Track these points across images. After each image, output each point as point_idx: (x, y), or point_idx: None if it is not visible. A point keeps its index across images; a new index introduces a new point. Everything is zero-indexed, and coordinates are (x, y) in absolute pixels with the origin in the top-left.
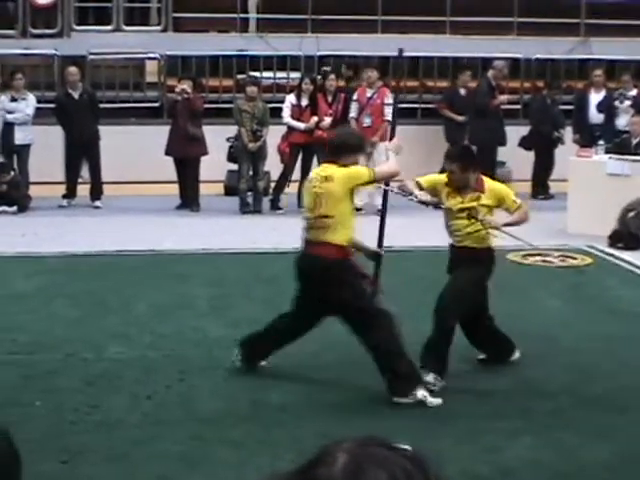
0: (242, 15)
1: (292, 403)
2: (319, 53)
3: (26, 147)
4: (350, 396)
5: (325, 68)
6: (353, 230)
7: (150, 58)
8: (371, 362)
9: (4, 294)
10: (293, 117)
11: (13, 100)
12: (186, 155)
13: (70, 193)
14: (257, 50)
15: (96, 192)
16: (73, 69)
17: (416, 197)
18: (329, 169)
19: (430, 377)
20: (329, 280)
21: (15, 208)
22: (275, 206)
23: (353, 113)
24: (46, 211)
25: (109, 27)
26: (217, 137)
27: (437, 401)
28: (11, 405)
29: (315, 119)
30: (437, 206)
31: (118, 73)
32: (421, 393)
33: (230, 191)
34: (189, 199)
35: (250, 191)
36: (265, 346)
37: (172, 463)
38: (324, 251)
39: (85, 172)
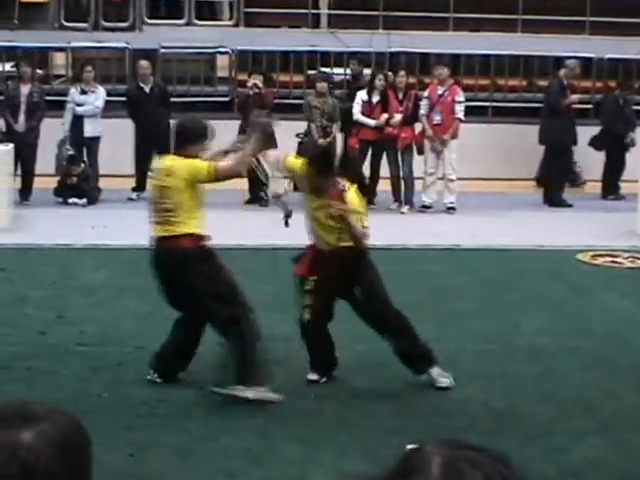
0: (313, 11)
1: (358, 400)
2: (390, 50)
3: (96, 140)
4: (414, 393)
5: (353, 66)
6: (202, 219)
7: (221, 52)
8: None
9: (73, 286)
10: (363, 114)
11: (83, 93)
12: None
13: (140, 186)
14: (328, 46)
15: None
16: (145, 63)
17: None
18: (172, 161)
19: (436, 373)
20: (185, 270)
21: (85, 200)
22: None
23: (423, 110)
24: (115, 204)
25: (181, 21)
26: (287, 133)
27: (275, 397)
28: (80, 396)
29: (385, 116)
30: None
31: (189, 67)
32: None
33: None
34: (258, 194)
35: None
36: (176, 359)
37: (237, 458)
38: (175, 244)
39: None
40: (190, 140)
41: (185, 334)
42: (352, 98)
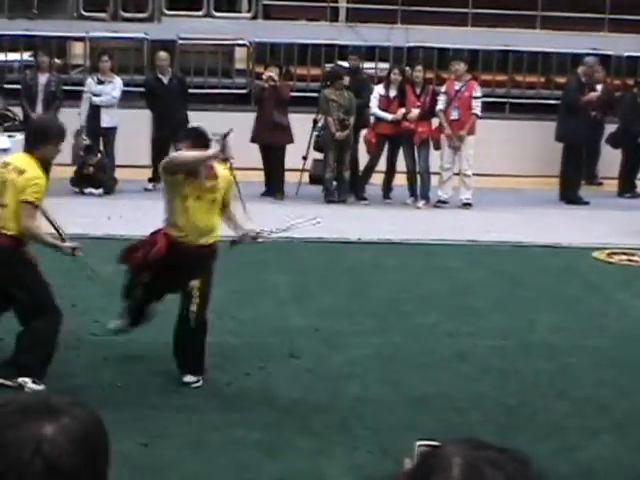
0: (332, 4)
1: (371, 394)
2: (408, 44)
3: (112, 130)
4: (429, 389)
5: (352, 61)
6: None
7: (239, 45)
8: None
9: (89, 276)
10: (381, 108)
11: (100, 83)
12: (272, 143)
13: (156, 177)
14: (346, 40)
15: None
16: (163, 54)
17: None
18: (25, 161)
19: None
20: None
21: (101, 190)
22: (360, 196)
23: (441, 105)
24: (132, 194)
25: (199, 12)
26: (304, 125)
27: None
28: (93, 385)
29: (402, 110)
30: None
31: (207, 59)
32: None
33: (315, 180)
34: (274, 187)
35: (335, 180)
36: None
37: (250, 450)
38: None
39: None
40: (45, 140)
41: None
42: (355, 93)
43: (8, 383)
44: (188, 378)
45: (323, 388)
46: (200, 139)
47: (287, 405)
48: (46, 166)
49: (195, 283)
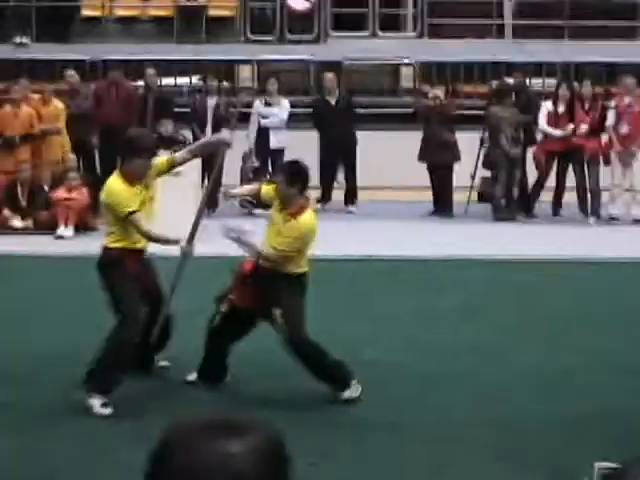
0: (498, 21)
1: (538, 412)
2: (576, 59)
3: (281, 151)
4: (593, 408)
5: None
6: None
7: (405, 64)
8: None
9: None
10: (549, 124)
11: (267, 105)
12: (439, 161)
13: (325, 197)
14: (512, 56)
15: (350, 197)
16: (330, 75)
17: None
18: (109, 180)
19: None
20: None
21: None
22: (529, 214)
23: (610, 121)
24: None
25: (365, 33)
26: (471, 143)
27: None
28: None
29: (571, 126)
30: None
31: (373, 78)
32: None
33: (484, 198)
34: (442, 205)
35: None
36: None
37: (410, 468)
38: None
39: (341, 176)
40: (134, 153)
41: None
42: (522, 110)
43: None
44: (343, 395)
45: (493, 406)
46: (297, 176)
47: (458, 423)
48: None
49: (277, 312)
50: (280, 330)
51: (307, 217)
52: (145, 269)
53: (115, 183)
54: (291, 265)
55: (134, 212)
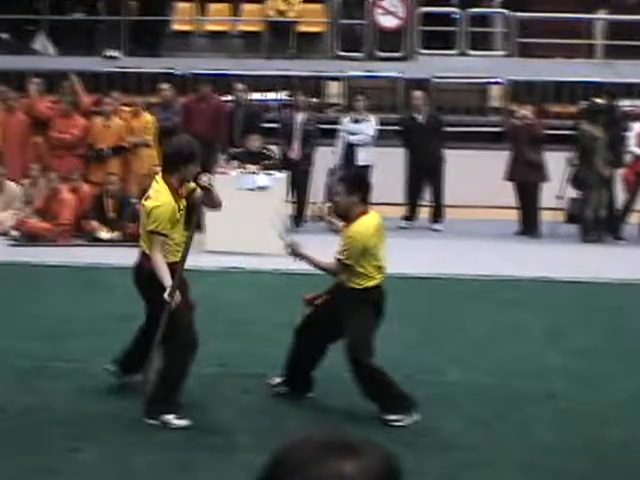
0: (588, 41)
1: (636, 439)
2: None
3: (367, 168)
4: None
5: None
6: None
7: (494, 83)
8: None
9: None
10: (639, 145)
11: (355, 122)
12: (526, 181)
13: (411, 215)
14: (603, 76)
15: (437, 215)
16: (418, 93)
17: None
18: (155, 187)
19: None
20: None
21: None
22: (617, 236)
23: None
24: (386, 232)
25: (454, 51)
26: (559, 163)
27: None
28: (351, 421)
29: None
30: None
31: (462, 97)
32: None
33: (572, 218)
34: (529, 225)
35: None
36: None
37: None
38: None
39: (427, 195)
40: (178, 161)
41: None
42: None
43: (155, 422)
44: (388, 417)
45: (580, 430)
46: (357, 185)
47: (543, 446)
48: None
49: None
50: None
51: (360, 223)
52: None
53: (164, 196)
54: (355, 277)
55: (160, 234)
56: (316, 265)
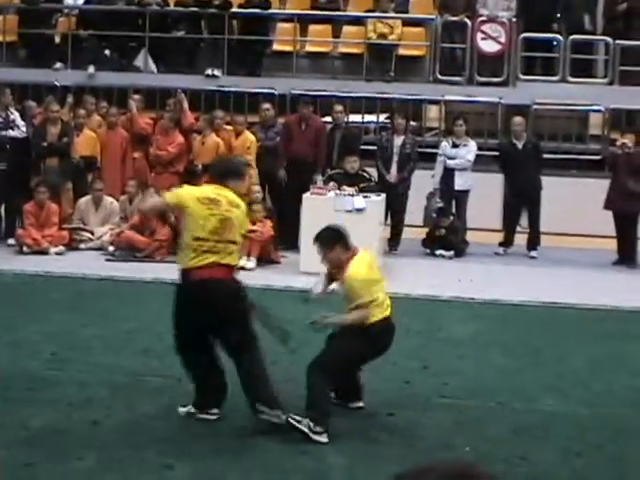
0: None
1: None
2: None
3: (465, 193)
4: None
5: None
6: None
7: (594, 110)
8: None
9: (441, 337)
10: None
11: (454, 146)
12: (626, 210)
13: (507, 241)
14: None
15: (533, 242)
16: (519, 119)
17: None
18: (228, 193)
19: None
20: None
21: (452, 253)
22: None
23: None
24: (482, 258)
25: (555, 77)
26: None
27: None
28: (442, 448)
29: None
30: None
31: (561, 124)
32: None
33: None
34: (627, 255)
35: None
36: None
37: None
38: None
39: (524, 221)
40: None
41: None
42: None
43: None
44: (312, 430)
45: None
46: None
47: None
48: None
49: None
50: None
51: (351, 266)
52: None
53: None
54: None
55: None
56: (343, 324)
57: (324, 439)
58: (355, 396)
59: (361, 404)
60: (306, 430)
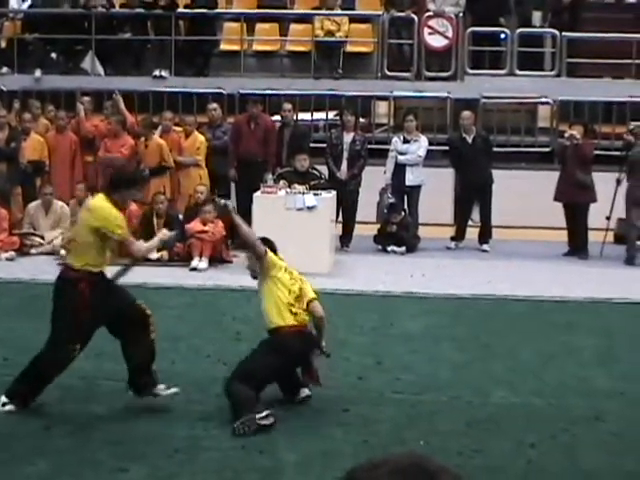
0: (638, 61)
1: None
2: None
3: (417, 188)
4: None
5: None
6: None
7: (542, 103)
8: None
9: (393, 333)
10: None
11: (405, 142)
12: (575, 201)
13: (459, 235)
14: None
15: (485, 236)
16: (467, 113)
17: None
18: (97, 201)
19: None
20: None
21: (404, 248)
22: None
23: None
24: (433, 252)
25: (502, 71)
26: (607, 184)
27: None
28: (394, 444)
29: None
30: None
31: (510, 117)
32: None
33: (620, 239)
34: (577, 246)
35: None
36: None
37: None
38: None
39: (475, 215)
40: (122, 186)
41: None
42: None
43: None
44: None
45: (631, 454)
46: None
47: (592, 470)
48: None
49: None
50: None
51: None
52: None
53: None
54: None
55: None
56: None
57: (266, 421)
58: (297, 386)
59: (308, 392)
60: (244, 430)
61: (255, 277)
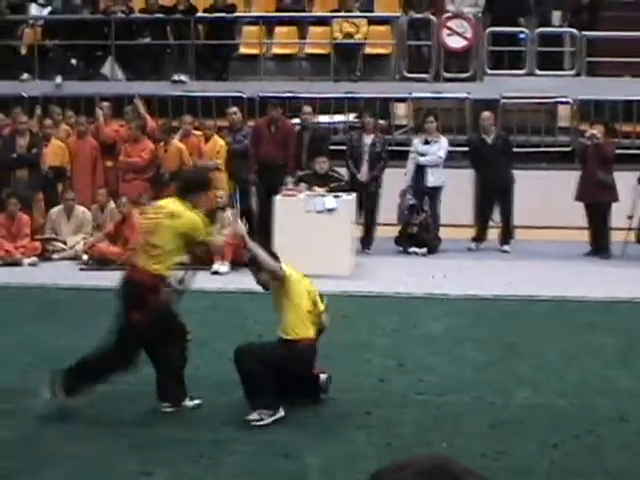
0: None
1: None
2: None
3: (437, 189)
4: None
5: None
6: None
7: (562, 102)
8: None
9: (415, 334)
10: None
11: (425, 143)
12: (596, 201)
13: (480, 236)
14: None
15: (506, 236)
16: (487, 114)
17: None
18: (176, 206)
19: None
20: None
21: (425, 250)
22: None
23: None
24: (455, 254)
25: (522, 71)
26: (629, 183)
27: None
28: (419, 446)
29: None
30: None
31: (530, 117)
32: None
33: None
34: (599, 246)
35: None
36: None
37: None
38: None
39: (496, 216)
40: (193, 189)
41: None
42: None
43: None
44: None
45: None
46: None
47: (618, 470)
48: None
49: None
50: None
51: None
52: None
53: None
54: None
55: None
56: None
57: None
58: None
59: (324, 376)
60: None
61: (267, 289)
